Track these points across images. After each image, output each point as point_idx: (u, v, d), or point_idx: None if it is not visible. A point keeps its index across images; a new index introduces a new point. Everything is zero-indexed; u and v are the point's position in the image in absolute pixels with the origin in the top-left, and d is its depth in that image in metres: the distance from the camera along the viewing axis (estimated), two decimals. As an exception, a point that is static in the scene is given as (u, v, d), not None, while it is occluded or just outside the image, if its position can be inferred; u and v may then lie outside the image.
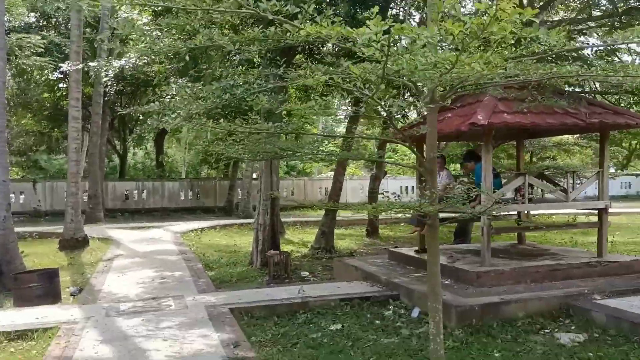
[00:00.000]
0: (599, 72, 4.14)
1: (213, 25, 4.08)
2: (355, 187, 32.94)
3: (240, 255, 13.94)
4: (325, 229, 14.19)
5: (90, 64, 12.47)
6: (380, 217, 19.00)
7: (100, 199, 22.46)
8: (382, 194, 6.42)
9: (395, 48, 2.74)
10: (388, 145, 32.59)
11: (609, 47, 11.49)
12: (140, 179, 30.02)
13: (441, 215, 5.31)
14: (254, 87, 4.92)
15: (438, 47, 3.30)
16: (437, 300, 4.54)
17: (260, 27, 3.60)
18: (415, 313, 7.04)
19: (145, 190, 27.90)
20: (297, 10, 3.23)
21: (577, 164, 28.54)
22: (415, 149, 4.88)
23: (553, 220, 11.05)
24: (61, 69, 22.13)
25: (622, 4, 12.14)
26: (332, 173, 39.42)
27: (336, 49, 10.00)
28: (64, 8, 23.43)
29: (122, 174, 31.28)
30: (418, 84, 3.91)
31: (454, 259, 8.56)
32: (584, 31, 15.40)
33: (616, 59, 12.79)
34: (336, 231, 19.90)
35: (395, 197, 8.80)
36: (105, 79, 17.33)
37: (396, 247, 15.97)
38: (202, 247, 15.59)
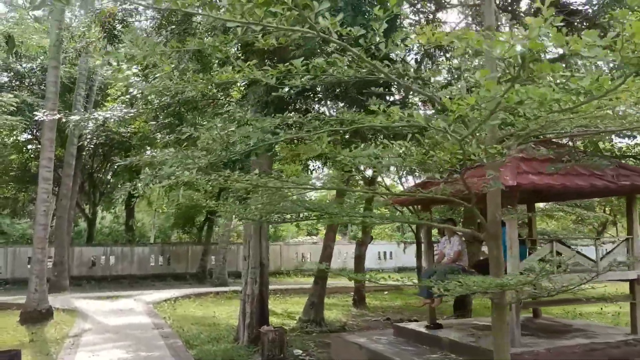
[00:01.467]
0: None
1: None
2: (333, 253, 31.74)
3: (222, 329, 12.77)
4: (315, 299, 13.16)
5: (71, 117, 11.60)
6: (366, 284, 18.08)
7: (66, 265, 20.98)
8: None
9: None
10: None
11: None
12: (108, 244, 28.49)
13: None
14: (269, 137, 4.17)
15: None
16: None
17: (302, 58, 2.91)
18: (443, 404, 6.07)
19: (113, 256, 26.37)
20: (363, 32, 2.53)
21: (558, 230, 28.24)
22: (478, 211, 4.08)
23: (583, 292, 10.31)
24: (35, 125, 21.20)
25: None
26: (307, 237, 38.39)
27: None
28: (38, 70, 22.73)
29: (90, 239, 29.72)
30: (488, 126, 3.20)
31: (475, 336, 7.68)
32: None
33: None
34: (319, 300, 18.84)
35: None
36: (85, 131, 16.41)
37: (388, 319, 15.01)
38: (179, 319, 14.31)
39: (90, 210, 30.54)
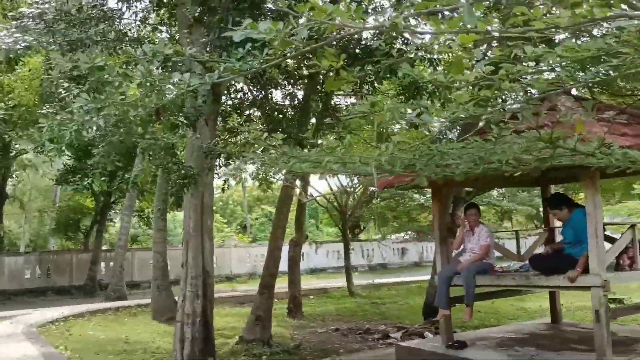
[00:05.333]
0: None
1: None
2: (242, 255, 29.01)
3: (139, 358, 9.96)
4: (260, 313, 10.65)
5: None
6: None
7: None
8: None
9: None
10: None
11: None
12: (-30, 255, 23.64)
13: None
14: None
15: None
16: None
17: None
18: None
19: (-23, 269, 21.80)
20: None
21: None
22: None
23: None
24: None
25: None
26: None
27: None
28: None
29: (-53, 250, 24.55)
30: None
31: (524, 354, 5.77)
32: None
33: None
34: (240, 310, 16.25)
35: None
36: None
37: (337, 329, 12.87)
38: (78, 347, 11.07)
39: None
